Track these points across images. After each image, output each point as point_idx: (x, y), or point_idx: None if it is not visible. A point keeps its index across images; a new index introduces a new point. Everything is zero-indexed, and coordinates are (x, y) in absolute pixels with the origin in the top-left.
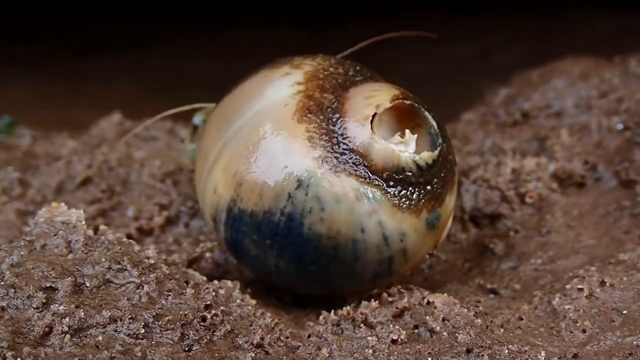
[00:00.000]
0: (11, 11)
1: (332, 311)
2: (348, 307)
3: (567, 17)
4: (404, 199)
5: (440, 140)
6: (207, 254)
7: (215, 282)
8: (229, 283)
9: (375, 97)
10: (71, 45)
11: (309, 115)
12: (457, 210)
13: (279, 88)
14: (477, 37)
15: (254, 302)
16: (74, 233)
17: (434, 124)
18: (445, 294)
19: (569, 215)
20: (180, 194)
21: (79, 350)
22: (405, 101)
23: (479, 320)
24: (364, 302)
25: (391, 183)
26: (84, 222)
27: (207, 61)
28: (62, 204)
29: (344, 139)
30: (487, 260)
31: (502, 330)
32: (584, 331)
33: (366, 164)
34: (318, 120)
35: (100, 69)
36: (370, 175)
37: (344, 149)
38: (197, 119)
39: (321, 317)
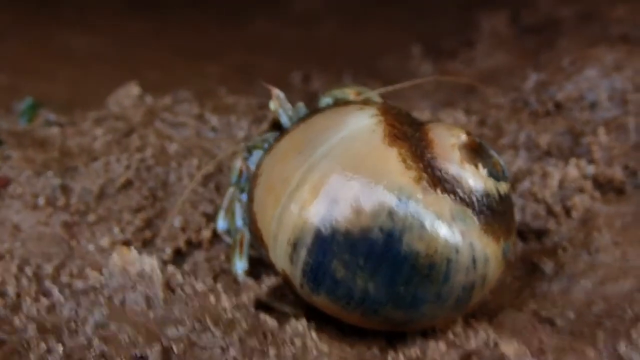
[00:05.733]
0: None
1: (402, 354)
2: (417, 349)
3: None
4: (488, 224)
5: (508, 175)
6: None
7: (287, 328)
8: (299, 327)
9: (454, 131)
10: None
11: (398, 140)
12: None
13: (360, 118)
14: None
15: (326, 349)
16: (151, 286)
17: (500, 160)
18: (515, 342)
19: (614, 229)
20: None
21: None
22: (475, 139)
23: None
24: (432, 344)
25: (479, 206)
26: (160, 273)
27: None
28: (132, 248)
29: (435, 163)
30: (537, 280)
31: None
32: None
33: (458, 186)
34: (407, 145)
35: None
36: (462, 196)
37: (436, 172)
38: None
39: (389, 358)
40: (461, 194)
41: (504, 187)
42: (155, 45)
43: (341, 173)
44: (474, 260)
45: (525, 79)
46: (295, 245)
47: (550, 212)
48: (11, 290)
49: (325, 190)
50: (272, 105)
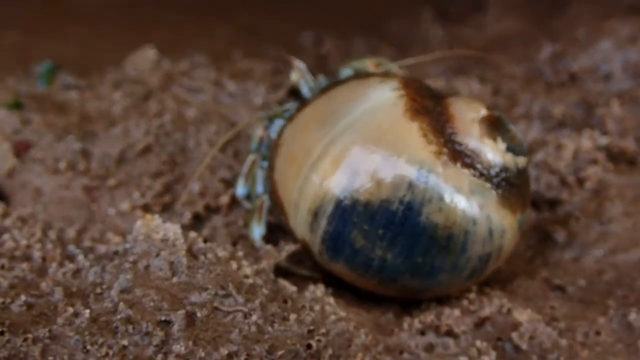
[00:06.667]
0: None
1: (417, 319)
2: (432, 315)
3: None
4: (506, 198)
5: (526, 148)
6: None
7: (306, 293)
8: (318, 292)
9: (474, 105)
10: None
11: (419, 115)
12: None
13: (383, 91)
14: None
15: (343, 313)
16: (175, 253)
17: (518, 133)
18: (528, 310)
19: (626, 200)
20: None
21: None
22: (494, 113)
23: (564, 341)
24: (447, 311)
25: (496, 180)
26: (183, 240)
27: None
28: (157, 216)
29: (455, 137)
30: (550, 248)
31: (586, 351)
32: None
33: (477, 161)
34: (428, 120)
35: None
36: (481, 170)
37: (456, 147)
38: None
39: (405, 324)
40: (480, 168)
41: (521, 161)
42: (164, 6)
43: (363, 146)
44: (490, 232)
45: (540, 49)
46: (316, 215)
47: (563, 182)
48: (36, 254)
49: (346, 162)
50: (294, 76)
